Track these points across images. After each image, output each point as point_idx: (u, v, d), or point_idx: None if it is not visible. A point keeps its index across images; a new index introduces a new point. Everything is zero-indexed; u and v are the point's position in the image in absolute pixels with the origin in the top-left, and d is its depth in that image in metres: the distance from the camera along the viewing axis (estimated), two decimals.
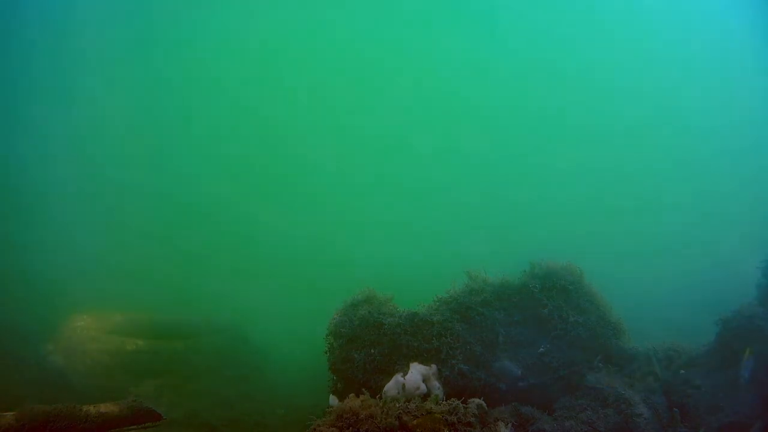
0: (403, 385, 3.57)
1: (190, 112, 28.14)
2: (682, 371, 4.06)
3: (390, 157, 31.37)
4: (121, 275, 17.20)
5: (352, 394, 3.23)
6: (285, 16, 29.99)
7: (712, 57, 29.21)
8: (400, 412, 2.94)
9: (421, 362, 3.86)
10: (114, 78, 25.42)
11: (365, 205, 27.28)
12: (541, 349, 4.14)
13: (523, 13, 31.52)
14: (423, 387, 3.62)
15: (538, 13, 31.60)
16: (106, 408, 4.08)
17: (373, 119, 33.24)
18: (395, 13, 32.50)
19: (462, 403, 3.10)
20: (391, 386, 3.57)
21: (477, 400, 3.17)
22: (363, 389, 3.58)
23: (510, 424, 3.19)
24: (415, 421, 2.85)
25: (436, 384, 3.73)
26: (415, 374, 3.67)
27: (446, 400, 3.21)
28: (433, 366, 3.85)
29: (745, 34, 22.42)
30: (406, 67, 34.00)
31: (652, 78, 31.44)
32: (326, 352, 4.32)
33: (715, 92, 29.00)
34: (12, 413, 4.07)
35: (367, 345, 4.01)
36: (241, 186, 26.93)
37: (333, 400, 3.95)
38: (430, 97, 33.80)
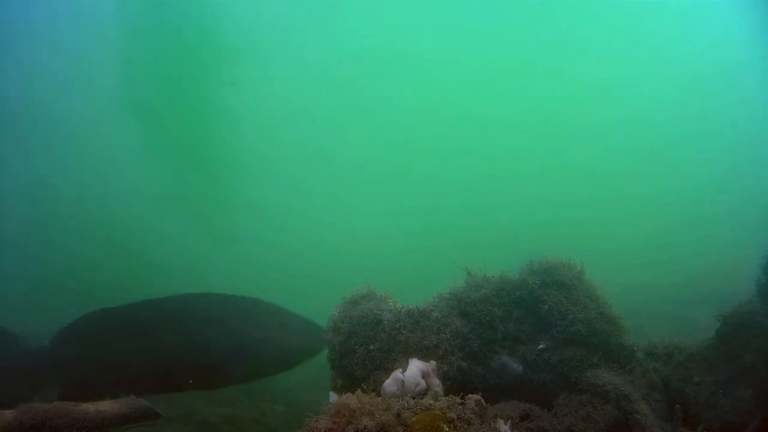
0: (402, 381, 3.56)
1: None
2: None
3: (388, 155, 31.38)
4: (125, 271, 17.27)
5: (351, 392, 3.21)
6: None
7: (714, 57, 29.21)
8: (399, 408, 2.93)
9: (421, 358, 3.85)
10: None
11: (363, 203, 27.31)
12: (541, 345, 4.13)
13: (524, 12, 31.50)
14: (422, 383, 3.61)
15: (539, 13, 31.61)
16: (105, 406, 4.07)
17: (374, 116, 33.23)
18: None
19: (461, 399, 3.09)
20: (390, 382, 3.56)
21: (476, 397, 3.16)
22: (362, 385, 3.57)
23: (509, 421, 3.18)
24: (414, 417, 2.84)
25: (435, 380, 3.72)
26: (415, 370, 3.66)
27: (445, 396, 3.20)
28: (432, 362, 3.84)
29: (747, 34, 22.40)
30: (405, 69, 33.94)
31: (654, 77, 31.47)
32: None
33: (716, 90, 29.01)
34: (11, 411, 4.06)
35: (366, 341, 4.00)
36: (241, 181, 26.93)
37: (332, 396, 3.94)
38: (431, 94, 33.76)
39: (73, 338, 5.68)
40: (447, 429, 2.79)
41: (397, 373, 3.63)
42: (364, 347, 3.99)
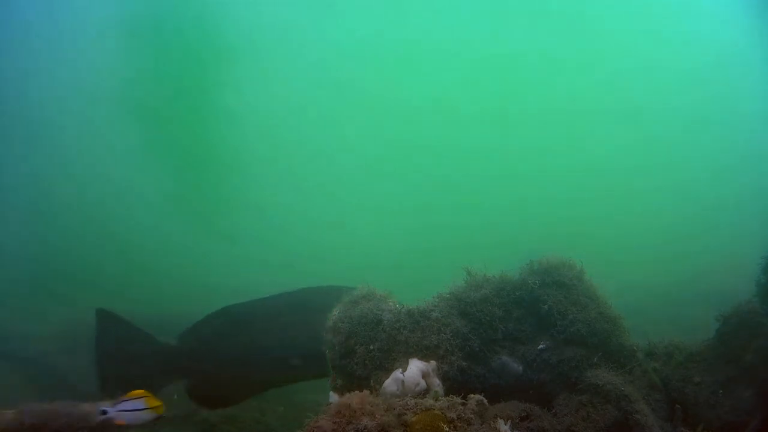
0: (402, 381, 3.55)
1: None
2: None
3: (388, 155, 31.37)
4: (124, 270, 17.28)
5: (351, 392, 3.21)
6: None
7: (714, 48, 29.12)
8: (399, 409, 2.93)
9: (421, 358, 3.85)
10: None
11: (363, 203, 27.30)
12: (541, 345, 4.13)
13: (523, 11, 31.48)
14: (422, 383, 3.60)
15: (538, 11, 31.57)
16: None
17: (374, 115, 33.20)
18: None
19: (461, 399, 3.09)
20: (390, 382, 3.56)
21: (476, 397, 3.16)
22: (363, 385, 3.57)
23: (509, 421, 3.18)
24: (414, 418, 2.84)
25: (435, 380, 3.72)
26: (415, 370, 3.65)
27: (446, 396, 3.19)
28: (433, 362, 3.83)
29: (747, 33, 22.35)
30: (405, 67, 33.91)
31: (653, 76, 31.43)
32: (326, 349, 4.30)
33: (716, 88, 28.97)
34: (11, 411, 4.06)
35: (366, 341, 4.00)
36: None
37: (332, 396, 3.93)
38: (432, 93, 33.75)
39: (198, 335, 5.94)
40: (447, 429, 2.79)
41: (397, 373, 3.62)
42: (364, 347, 3.98)
